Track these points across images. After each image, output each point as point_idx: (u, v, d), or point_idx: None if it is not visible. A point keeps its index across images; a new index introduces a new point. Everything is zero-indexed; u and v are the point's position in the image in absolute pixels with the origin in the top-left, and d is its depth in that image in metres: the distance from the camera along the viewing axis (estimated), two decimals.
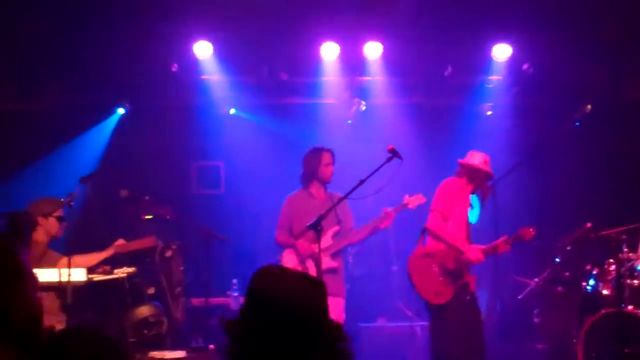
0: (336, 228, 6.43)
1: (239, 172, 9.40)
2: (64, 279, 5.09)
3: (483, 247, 5.98)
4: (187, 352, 5.38)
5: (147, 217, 8.45)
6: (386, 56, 8.72)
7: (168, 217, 8.07)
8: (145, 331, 5.41)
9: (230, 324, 2.23)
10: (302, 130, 9.09)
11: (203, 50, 8.68)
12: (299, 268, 6.21)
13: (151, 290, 5.68)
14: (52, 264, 5.59)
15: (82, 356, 2.11)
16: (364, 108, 9.03)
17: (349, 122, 9.06)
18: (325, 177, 6.61)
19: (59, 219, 5.82)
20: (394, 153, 5.29)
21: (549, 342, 7.23)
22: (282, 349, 2.13)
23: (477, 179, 6.12)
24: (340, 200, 5.36)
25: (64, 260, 5.53)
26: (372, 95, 9.10)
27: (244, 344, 2.15)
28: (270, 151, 9.12)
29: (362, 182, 5.20)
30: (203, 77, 8.99)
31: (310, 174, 6.60)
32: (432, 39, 8.57)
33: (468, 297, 5.89)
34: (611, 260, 6.56)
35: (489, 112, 9.13)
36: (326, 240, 6.25)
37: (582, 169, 8.36)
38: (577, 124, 8.32)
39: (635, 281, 6.30)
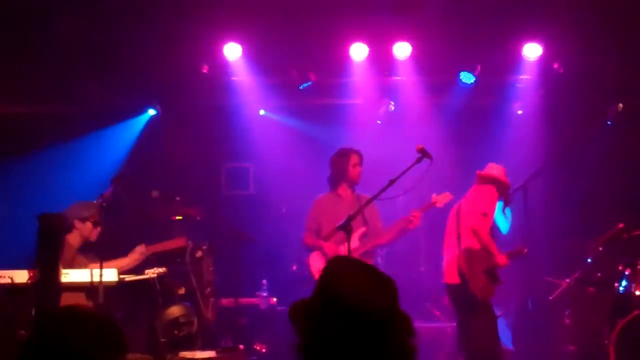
0: (363, 229, 6.44)
1: (268, 173, 9.45)
2: (96, 279, 5.16)
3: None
4: (217, 353, 5.41)
5: (177, 217, 8.55)
6: (415, 56, 8.70)
7: (198, 217, 8.14)
8: (176, 331, 5.45)
9: (296, 312, 2.16)
10: (331, 131, 9.11)
11: (233, 52, 8.75)
12: None
13: (181, 291, 5.74)
14: (82, 267, 5.66)
15: (78, 336, 2.15)
16: (392, 108, 9.02)
17: (379, 122, 9.05)
18: (354, 178, 6.62)
19: (95, 223, 5.90)
20: (423, 153, 5.28)
21: (580, 343, 7.16)
22: (350, 344, 2.08)
23: (500, 189, 6.14)
24: (370, 200, 5.35)
25: (92, 265, 5.61)
26: (401, 95, 9.07)
27: (309, 336, 2.10)
28: (299, 152, 9.13)
29: (392, 182, 5.20)
30: (233, 78, 9.05)
31: (339, 175, 6.60)
32: (461, 38, 8.54)
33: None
34: None
35: (520, 112, 9.06)
36: (353, 241, 6.22)
37: (613, 168, 8.26)
38: (609, 123, 8.23)
39: None
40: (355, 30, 8.63)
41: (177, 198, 6.32)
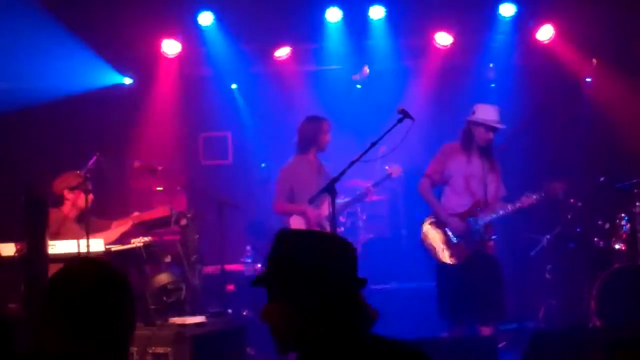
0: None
1: (246, 142, 9.45)
2: (83, 250, 5.15)
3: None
4: (207, 317, 5.44)
5: (158, 188, 8.54)
6: (390, 19, 8.69)
7: (179, 187, 8.15)
8: (165, 298, 5.46)
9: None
10: (309, 97, 9.10)
11: (206, 19, 8.67)
12: None
13: (168, 259, 5.73)
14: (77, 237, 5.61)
15: (87, 283, 2.14)
16: (367, 72, 9.01)
17: (358, 87, 9.05)
18: (324, 145, 6.59)
19: (85, 192, 5.83)
20: (404, 114, 5.27)
21: (562, 298, 7.29)
22: (307, 304, 2.15)
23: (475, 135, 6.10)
24: (353, 162, 5.30)
25: (94, 235, 5.59)
26: (378, 59, 9.05)
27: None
28: (277, 120, 9.10)
29: (373, 144, 5.19)
30: (207, 47, 8.98)
31: (309, 141, 6.53)
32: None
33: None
34: (622, 215, 6.59)
35: (491, 65, 9.07)
36: (324, 208, 6.28)
37: (590, 125, 8.35)
38: (588, 80, 8.31)
39: None
40: None
41: (159, 168, 6.27)
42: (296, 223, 6.34)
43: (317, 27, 8.83)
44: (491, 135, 6.10)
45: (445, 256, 6.01)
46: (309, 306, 2.12)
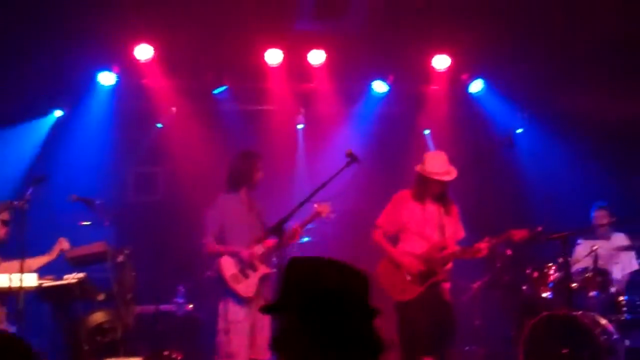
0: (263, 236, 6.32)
1: (178, 179, 9.32)
2: (15, 284, 4.95)
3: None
4: (144, 359, 5.29)
5: (84, 222, 8.30)
6: (330, 63, 8.81)
7: (106, 223, 7.95)
8: (99, 338, 5.28)
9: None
10: (245, 137, 9.09)
11: (144, 53, 8.59)
12: (240, 276, 6.13)
13: (101, 297, 5.55)
14: None
15: None
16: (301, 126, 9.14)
17: (300, 126, 9.11)
18: (256, 182, 6.43)
19: (4, 223, 5.68)
20: (352, 157, 5.32)
21: (490, 345, 7.41)
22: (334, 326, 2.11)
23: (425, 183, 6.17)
24: (302, 204, 5.28)
25: (5, 265, 5.39)
26: (317, 102, 9.16)
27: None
28: (211, 157, 9.03)
29: (323, 185, 5.20)
30: (144, 81, 8.89)
31: (242, 178, 6.36)
32: (375, 48, 8.73)
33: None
34: (550, 264, 6.80)
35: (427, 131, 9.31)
36: (258, 248, 6.19)
37: (519, 178, 8.62)
38: (520, 130, 8.60)
39: (574, 284, 6.52)
40: (271, 36, 8.67)
41: (97, 201, 6.11)
42: (227, 264, 6.17)
43: (257, 67, 8.86)
44: (440, 185, 6.12)
45: (399, 293, 6.02)
46: (321, 334, 2.10)
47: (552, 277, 6.67)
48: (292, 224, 6.35)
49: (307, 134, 9.21)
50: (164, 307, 7.09)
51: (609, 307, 6.60)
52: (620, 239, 7.17)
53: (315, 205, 6.32)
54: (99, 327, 5.33)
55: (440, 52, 8.85)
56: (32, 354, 2.17)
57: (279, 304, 2.17)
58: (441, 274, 6.04)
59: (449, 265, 6.14)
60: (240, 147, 8.86)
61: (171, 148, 9.25)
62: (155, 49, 8.54)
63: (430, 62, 8.89)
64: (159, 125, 9.15)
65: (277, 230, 5.06)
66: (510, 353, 6.95)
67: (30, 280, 5.15)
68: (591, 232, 7.15)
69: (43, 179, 5.63)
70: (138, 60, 8.61)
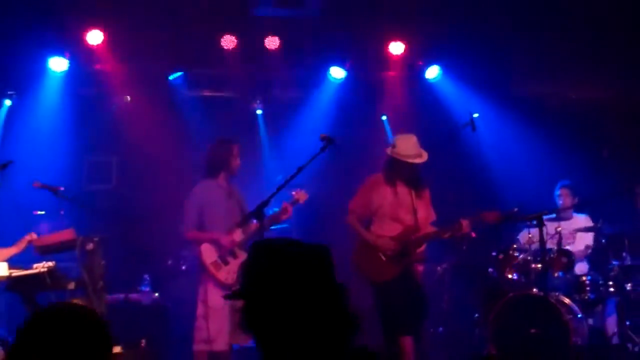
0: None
1: (132, 167, 9.12)
2: None
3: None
4: (122, 349, 5.16)
5: (39, 212, 8.07)
6: (285, 50, 8.75)
7: (62, 212, 7.73)
8: None
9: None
10: (202, 124, 8.97)
11: (96, 38, 8.37)
12: (220, 262, 6.10)
13: (71, 286, 5.38)
14: None
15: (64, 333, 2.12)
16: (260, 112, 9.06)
17: (259, 112, 9.02)
18: (235, 169, 6.42)
19: None
20: (328, 140, 5.29)
21: (456, 327, 7.50)
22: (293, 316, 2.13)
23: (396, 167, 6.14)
24: (280, 188, 5.27)
25: None
26: (274, 88, 9.09)
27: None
28: (165, 145, 8.87)
29: (299, 170, 5.17)
30: (97, 67, 8.67)
31: (219, 165, 6.34)
32: (334, 35, 8.71)
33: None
34: (515, 246, 6.92)
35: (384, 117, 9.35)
36: (238, 234, 6.16)
37: (481, 162, 8.71)
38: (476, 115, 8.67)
39: (539, 265, 6.63)
40: (227, 22, 8.56)
41: (61, 188, 5.92)
42: (207, 251, 6.14)
43: (213, 53, 8.73)
44: (413, 167, 6.11)
45: (376, 275, 6.01)
46: (287, 316, 2.11)
47: (517, 260, 6.74)
48: (285, 203, 6.33)
49: (266, 119, 9.12)
50: (132, 295, 6.94)
51: (573, 287, 6.74)
52: (582, 220, 7.32)
53: (293, 193, 6.35)
54: None
55: (396, 39, 8.88)
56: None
57: (244, 290, 2.19)
58: (415, 255, 6.07)
59: (422, 247, 6.16)
60: (197, 135, 8.86)
61: (125, 136, 9.03)
62: (107, 34, 8.34)
63: (386, 49, 8.91)
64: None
65: (258, 214, 5.00)
66: (478, 334, 7.06)
67: (1, 269, 4.96)
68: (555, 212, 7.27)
69: (7, 165, 5.41)
70: (90, 46, 8.39)
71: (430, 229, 6.16)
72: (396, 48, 8.93)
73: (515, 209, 6.04)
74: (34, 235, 5.66)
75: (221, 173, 6.35)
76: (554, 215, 7.25)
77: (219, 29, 8.58)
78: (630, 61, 8.61)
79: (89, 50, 8.45)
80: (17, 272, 5.21)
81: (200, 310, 6.06)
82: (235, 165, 6.40)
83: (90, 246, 5.50)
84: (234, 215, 6.27)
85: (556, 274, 6.69)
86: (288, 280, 2.13)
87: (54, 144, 8.65)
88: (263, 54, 8.74)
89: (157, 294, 7.09)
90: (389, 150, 6.12)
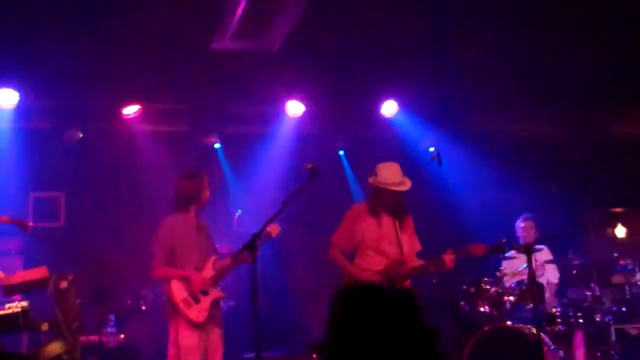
0: (214, 257, 6.09)
1: (83, 204, 8.77)
2: None
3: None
4: None
5: None
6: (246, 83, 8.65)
7: (13, 250, 7.38)
8: None
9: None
10: (151, 159, 8.75)
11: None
12: (191, 300, 5.81)
13: (45, 327, 5.05)
14: None
15: None
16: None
17: (217, 145, 8.91)
18: (204, 202, 6.19)
19: None
20: (313, 172, 5.18)
21: None
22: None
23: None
24: (269, 221, 5.10)
25: None
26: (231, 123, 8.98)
27: None
28: (115, 181, 8.61)
29: (285, 203, 5.02)
30: (47, 101, 8.37)
31: (191, 198, 6.10)
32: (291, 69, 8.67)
33: None
34: (486, 279, 6.92)
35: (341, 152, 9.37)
36: (208, 271, 5.92)
37: (441, 195, 8.79)
38: (432, 149, 8.76)
39: (512, 297, 6.66)
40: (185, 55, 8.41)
41: (30, 224, 5.60)
42: (177, 288, 5.85)
43: (166, 86, 8.55)
44: (397, 197, 6.04)
45: None
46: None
47: (490, 292, 6.74)
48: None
49: (225, 153, 8.96)
50: (93, 337, 6.59)
51: (545, 319, 6.79)
52: (544, 252, 7.42)
53: (267, 227, 6.09)
54: (58, 358, 4.84)
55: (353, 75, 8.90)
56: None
57: (332, 339, 2.13)
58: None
59: (408, 281, 6.06)
60: (153, 170, 8.62)
61: (75, 171, 8.70)
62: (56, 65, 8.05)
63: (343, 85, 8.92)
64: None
65: (251, 247, 4.83)
66: None
67: None
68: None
69: None
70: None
71: (417, 262, 6.06)
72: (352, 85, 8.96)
73: (504, 240, 6.03)
74: (1, 273, 5.29)
75: (191, 206, 6.12)
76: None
77: (176, 62, 8.41)
78: (583, 95, 8.87)
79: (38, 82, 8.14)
80: None
81: (171, 351, 5.75)
82: (205, 198, 6.19)
83: (64, 284, 5.20)
84: (205, 250, 6.08)
85: (528, 306, 6.71)
86: (381, 326, 2.08)
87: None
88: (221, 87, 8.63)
89: (122, 335, 6.74)
90: (371, 180, 6.02)
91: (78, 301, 5.25)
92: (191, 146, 8.86)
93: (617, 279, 7.06)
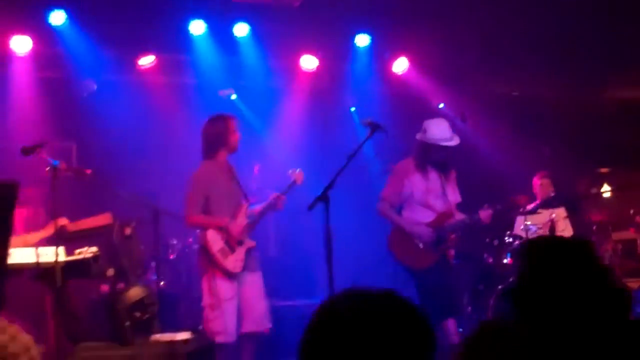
0: (246, 204, 6.07)
1: (95, 153, 8.71)
2: (44, 259, 4.45)
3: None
4: (192, 334, 4.96)
5: None
6: (256, 37, 8.67)
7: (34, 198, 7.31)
8: (138, 314, 4.86)
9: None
10: (169, 109, 8.73)
11: (58, 19, 7.98)
12: (227, 250, 5.82)
13: (110, 272, 5.09)
14: None
15: None
16: (234, 97, 8.91)
17: (234, 97, 8.85)
18: (235, 145, 6.02)
19: None
20: (373, 126, 5.26)
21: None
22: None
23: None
24: (340, 171, 5.16)
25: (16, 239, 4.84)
26: (246, 77, 8.97)
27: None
28: (135, 131, 8.56)
29: (350, 158, 5.10)
30: (61, 49, 8.24)
31: (217, 142, 5.95)
32: (300, 23, 8.68)
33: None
34: (508, 233, 7.19)
35: (353, 109, 9.45)
36: (242, 220, 5.97)
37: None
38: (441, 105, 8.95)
39: None
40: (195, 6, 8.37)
41: (88, 171, 5.59)
42: (213, 238, 5.79)
43: (183, 38, 8.51)
44: (445, 152, 6.18)
45: (415, 261, 6.08)
46: (568, 302, 2.30)
47: (513, 245, 7.00)
48: (276, 194, 6.09)
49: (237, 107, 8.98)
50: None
51: None
52: (562, 210, 7.69)
53: (289, 172, 6.12)
54: (140, 302, 4.89)
55: (363, 30, 8.98)
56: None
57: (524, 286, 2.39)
58: (451, 241, 6.19)
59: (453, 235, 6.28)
60: (167, 121, 8.61)
61: (88, 121, 8.62)
62: (71, 15, 7.96)
63: (353, 40, 9.01)
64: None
65: (324, 198, 4.91)
66: (474, 319, 7.24)
67: (28, 256, 4.63)
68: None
69: (34, 148, 5.14)
70: (53, 27, 8.00)
71: (460, 215, 6.29)
72: (362, 40, 9.04)
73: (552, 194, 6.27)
74: (65, 220, 5.30)
75: (220, 151, 5.99)
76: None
77: (187, 12, 8.37)
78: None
79: (52, 31, 8.04)
80: (72, 257, 4.86)
81: (206, 300, 5.71)
82: (234, 140, 6.02)
83: (128, 231, 5.24)
84: (237, 197, 6.04)
85: None
86: (566, 270, 2.33)
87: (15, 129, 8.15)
88: (233, 40, 8.63)
89: (162, 282, 6.81)
90: (419, 136, 6.18)
91: (142, 247, 5.30)
92: (206, 97, 8.82)
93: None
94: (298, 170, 6.11)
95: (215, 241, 5.78)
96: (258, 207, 6.13)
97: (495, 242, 7.13)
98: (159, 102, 8.74)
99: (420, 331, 1.77)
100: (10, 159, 7.61)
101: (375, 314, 1.71)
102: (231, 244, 5.82)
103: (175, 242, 7.46)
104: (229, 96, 8.90)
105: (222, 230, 5.83)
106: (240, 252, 5.84)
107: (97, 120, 8.60)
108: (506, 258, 7.08)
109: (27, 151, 5.16)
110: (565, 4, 8.14)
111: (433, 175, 6.22)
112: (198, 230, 6.23)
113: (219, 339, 5.61)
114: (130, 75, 8.64)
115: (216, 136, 5.98)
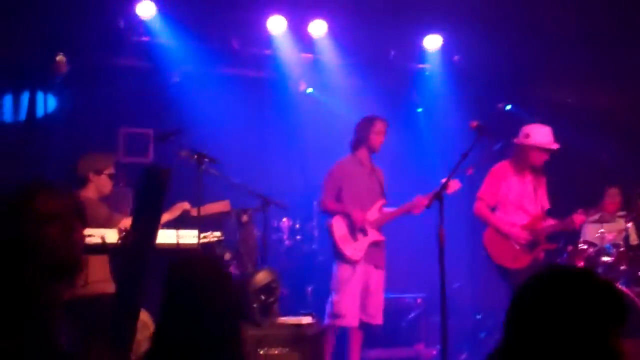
0: (382, 201, 6.57)
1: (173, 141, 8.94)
2: (185, 241, 4.72)
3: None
4: (312, 318, 5.25)
5: None
6: (332, 35, 8.87)
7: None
8: (264, 296, 5.15)
9: None
10: (244, 103, 8.97)
11: (147, 10, 8.24)
12: (349, 237, 6.26)
13: (228, 256, 5.40)
14: (109, 223, 5.13)
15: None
16: (310, 90, 9.13)
17: (310, 90, 9.10)
18: (375, 146, 6.61)
19: (110, 176, 5.45)
20: (480, 130, 5.50)
21: None
22: None
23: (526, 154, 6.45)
24: (450, 177, 5.46)
25: (126, 220, 5.13)
26: (318, 73, 9.18)
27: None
28: (208, 120, 8.80)
29: (464, 156, 5.36)
30: (145, 38, 8.50)
31: (360, 140, 6.61)
32: (376, 22, 8.86)
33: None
34: (580, 240, 7.39)
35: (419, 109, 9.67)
36: (373, 213, 6.38)
37: None
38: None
39: (608, 258, 7.10)
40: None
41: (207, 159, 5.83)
42: (338, 224, 6.31)
43: (261, 33, 8.74)
44: (547, 156, 6.51)
45: (511, 261, 6.34)
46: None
47: (587, 252, 7.18)
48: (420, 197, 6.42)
49: (313, 101, 9.20)
50: None
51: (635, 280, 7.26)
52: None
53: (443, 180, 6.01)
54: (267, 286, 5.18)
55: (433, 32, 9.16)
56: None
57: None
58: (544, 244, 6.47)
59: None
60: (242, 115, 8.84)
61: (166, 110, 8.87)
62: (158, 7, 8.22)
63: (422, 42, 9.19)
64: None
65: (440, 195, 5.19)
66: None
67: (192, 237, 4.92)
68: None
69: (168, 135, 5.40)
70: (141, 18, 8.26)
71: (551, 220, 6.57)
72: (432, 41, 9.20)
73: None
74: (187, 204, 5.60)
75: (361, 148, 6.55)
76: None
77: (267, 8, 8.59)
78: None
79: (139, 22, 8.30)
80: (204, 240, 5.12)
81: (332, 283, 6.25)
82: (376, 142, 6.57)
83: (245, 218, 5.54)
84: (374, 193, 6.50)
85: (622, 267, 7.14)
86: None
87: (93, 114, 8.46)
88: (309, 37, 8.84)
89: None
90: (520, 140, 6.46)
91: (258, 233, 5.59)
92: (282, 93, 9.06)
93: None
94: (455, 180, 6.19)
95: (339, 228, 6.35)
96: (394, 209, 6.53)
97: (569, 248, 7.32)
98: (240, 96, 8.96)
99: (616, 303, 2.07)
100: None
101: (575, 288, 2.08)
102: (354, 232, 6.21)
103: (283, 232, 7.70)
104: (305, 90, 9.12)
105: (347, 217, 6.18)
106: (363, 242, 6.27)
107: (174, 110, 8.85)
108: (579, 263, 7.26)
109: (161, 137, 5.43)
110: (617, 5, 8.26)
111: (528, 179, 6.50)
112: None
113: (339, 322, 6.03)
114: (210, 67, 8.86)
115: (360, 133, 6.61)
